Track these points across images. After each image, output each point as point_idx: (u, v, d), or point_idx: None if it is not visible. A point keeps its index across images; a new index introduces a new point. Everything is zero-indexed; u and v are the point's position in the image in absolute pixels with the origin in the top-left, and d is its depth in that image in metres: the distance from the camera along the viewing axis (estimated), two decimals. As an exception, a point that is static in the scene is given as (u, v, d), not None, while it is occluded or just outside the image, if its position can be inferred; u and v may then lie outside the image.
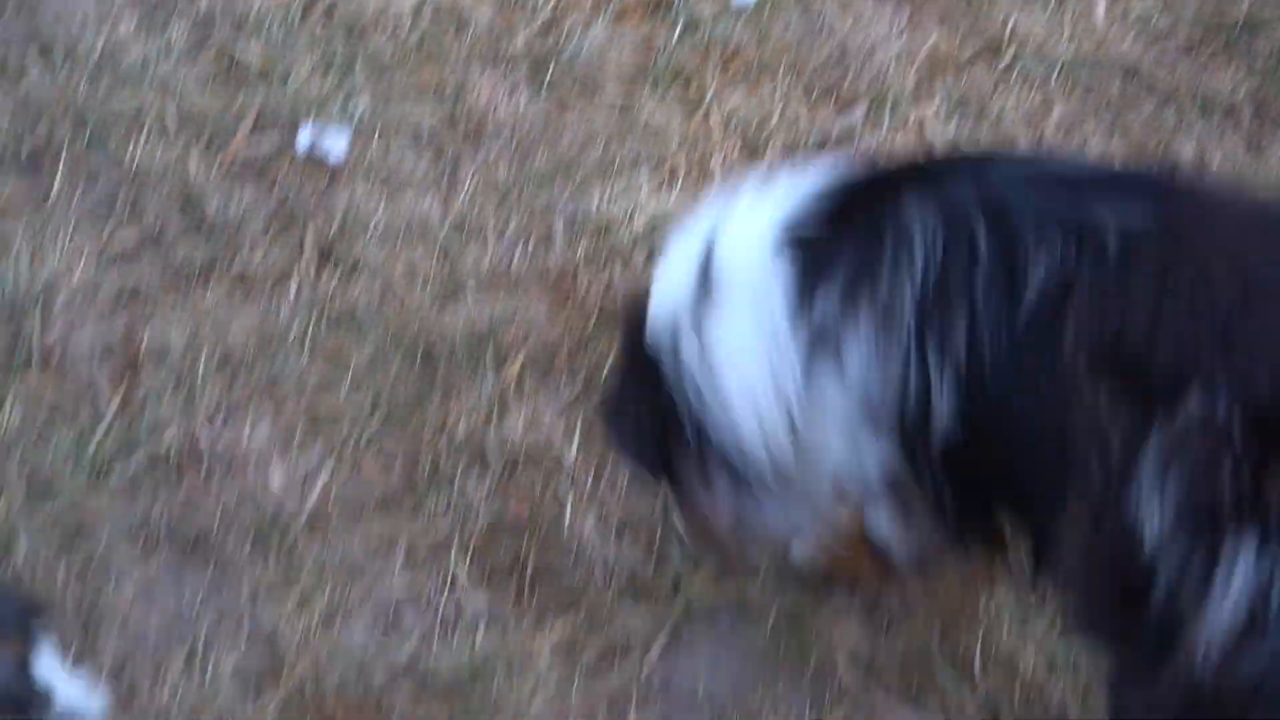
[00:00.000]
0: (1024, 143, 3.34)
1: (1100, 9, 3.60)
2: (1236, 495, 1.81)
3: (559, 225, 3.16)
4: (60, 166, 3.23)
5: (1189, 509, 1.84)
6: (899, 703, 2.58)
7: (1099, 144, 3.35)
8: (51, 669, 1.74)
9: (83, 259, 3.08)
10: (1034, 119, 3.38)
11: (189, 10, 3.56)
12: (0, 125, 3.30)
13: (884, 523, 2.43)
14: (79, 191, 3.21)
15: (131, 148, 3.26)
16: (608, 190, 3.21)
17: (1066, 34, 3.50)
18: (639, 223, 3.14)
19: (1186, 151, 3.33)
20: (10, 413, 2.84)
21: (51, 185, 3.21)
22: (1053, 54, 3.46)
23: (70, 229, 3.13)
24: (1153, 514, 1.86)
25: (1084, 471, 1.95)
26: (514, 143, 3.31)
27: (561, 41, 3.43)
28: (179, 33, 3.50)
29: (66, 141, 3.27)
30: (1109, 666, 2.16)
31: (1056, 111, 3.38)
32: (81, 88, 3.36)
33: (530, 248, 3.14)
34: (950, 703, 2.57)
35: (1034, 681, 2.56)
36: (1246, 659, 1.81)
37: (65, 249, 3.09)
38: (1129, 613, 1.92)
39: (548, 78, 3.41)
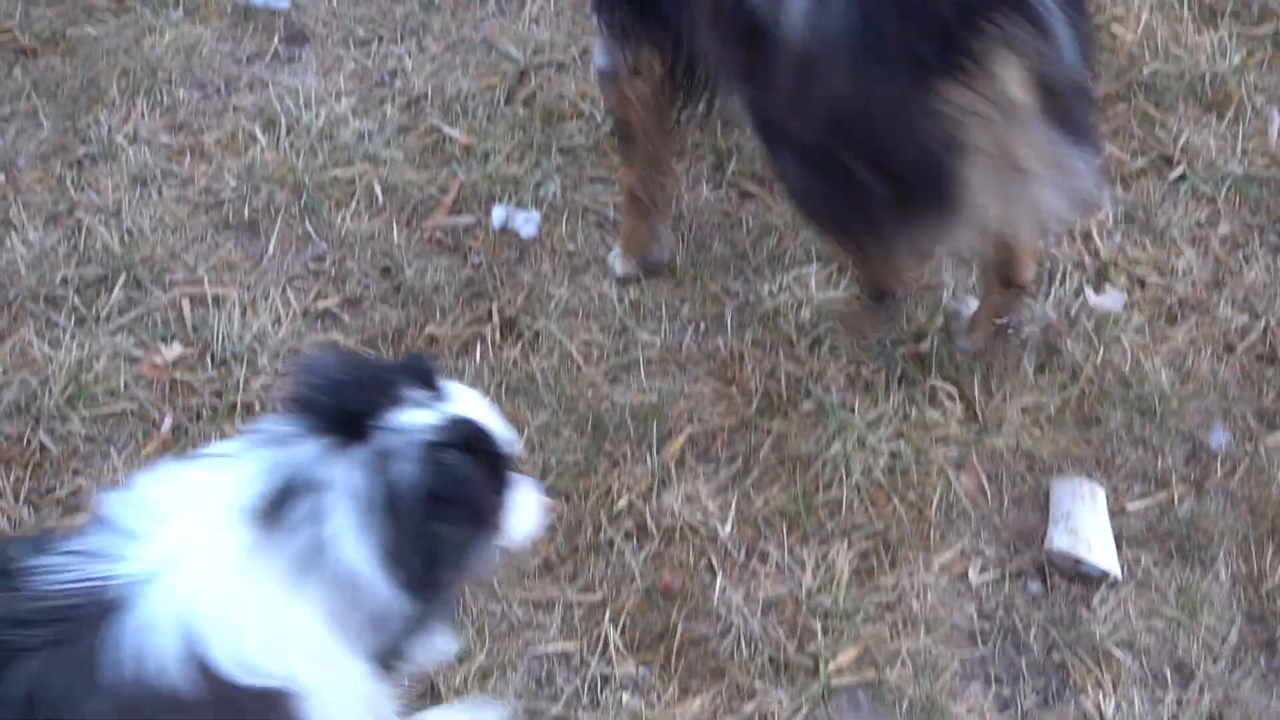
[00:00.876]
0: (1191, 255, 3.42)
1: (1275, 129, 3.66)
2: None
3: (730, 310, 3.33)
4: (276, 230, 3.51)
5: None
6: (1025, 798, 2.64)
7: (1265, 258, 3.41)
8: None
9: (288, 316, 3.32)
10: (1200, 233, 3.48)
11: (404, 90, 3.87)
12: (227, 189, 3.60)
13: (597, 52, 3.16)
14: (290, 254, 3.48)
15: (341, 216, 3.53)
16: (779, 280, 3.36)
17: (1238, 151, 3.59)
18: (805, 314, 3.29)
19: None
20: (214, 456, 3.05)
21: (267, 247, 3.48)
22: (1223, 169, 3.57)
23: (280, 288, 3.39)
24: None
25: None
26: (693, 230, 3.50)
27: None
28: (392, 111, 3.80)
29: (283, 208, 3.56)
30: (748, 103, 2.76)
31: (1223, 226, 3.48)
32: (301, 159, 3.65)
33: (701, 331, 3.31)
34: (1076, 803, 2.62)
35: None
36: (824, 24, 2.41)
37: (274, 306, 3.34)
38: (755, 55, 2.58)
39: (730, 168, 3.60)
